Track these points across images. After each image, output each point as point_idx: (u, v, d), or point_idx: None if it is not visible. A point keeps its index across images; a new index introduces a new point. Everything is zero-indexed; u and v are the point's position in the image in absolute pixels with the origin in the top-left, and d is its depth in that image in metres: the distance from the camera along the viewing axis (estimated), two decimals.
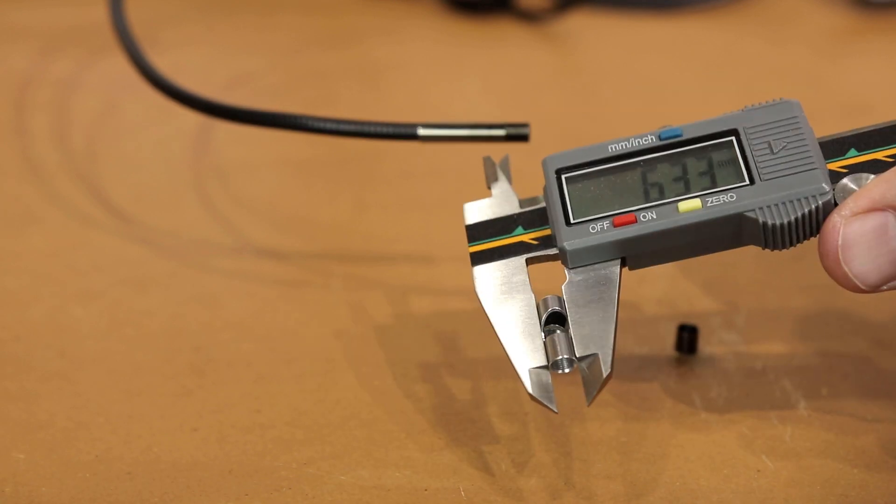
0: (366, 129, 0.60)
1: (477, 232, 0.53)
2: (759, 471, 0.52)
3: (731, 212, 0.50)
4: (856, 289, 0.49)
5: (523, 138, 0.59)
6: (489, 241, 0.53)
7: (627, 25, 0.89)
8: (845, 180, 0.50)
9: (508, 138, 0.59)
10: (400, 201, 0.71)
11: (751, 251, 0.66)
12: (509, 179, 0.55)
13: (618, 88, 0.85)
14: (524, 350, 0.50)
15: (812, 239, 0.51)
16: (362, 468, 0.53)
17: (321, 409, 0.56)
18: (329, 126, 0.60)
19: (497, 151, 0.56)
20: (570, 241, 0.51)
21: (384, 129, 0.59)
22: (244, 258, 0.67)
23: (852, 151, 0.51)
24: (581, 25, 0.89)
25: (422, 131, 0.59)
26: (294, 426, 0.55)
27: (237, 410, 0.56)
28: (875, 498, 0.51)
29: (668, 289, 0.63)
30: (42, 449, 0.54)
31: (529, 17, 0.90)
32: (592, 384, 0.49)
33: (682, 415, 0.55)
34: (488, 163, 0.56)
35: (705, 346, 0.59)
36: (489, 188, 0.55)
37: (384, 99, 0.82)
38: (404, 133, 0.59)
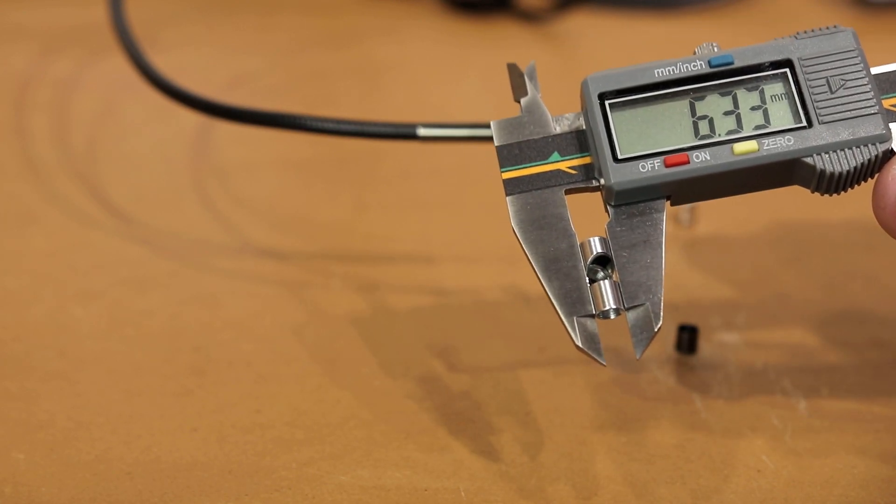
0: (366, 129, 0.59)
1: (509, 155, 0.50)
2: (759, 471, 0.52)
3: (789, 157, 0.48)
4: None
5: None
6: (523, 167, 0.50)
7: (627, 25, 0.89)
8: None
9: None
10: (400, 201, 0.71)
11: (750, 253, 0.66)
12: (538, 90, 0.52)
13: None
14: (570, 297, 0.48)
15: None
16: (362, 468, 0.53)
17: (321, 409, 0.56)
18: (329, 126, 0.60)
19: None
20: (619, 179, 0.48)
21: (384, 129, 0.59)
22: (244, 258, 0.67)
23: None
24: (581, 25, 0.89)
25: (422, 131, 0.58)
26: (294, 426, 0.55)
27: (237, 410, 0.56)
28: (875, 498, 0.51)
29: (668, 289, 0.63)
30: (42, 449, 0.54)
31: (529, 17, 0.90)
32: (642, 337, 0.47)
33: (682, 415, 0.55)
34: (514, 71, 0.52)
35: (705, 346, 0.59)
36: (517, 101, 0.52)
37: (384, 99, 0.82)
38: (404, 133, 0.59)
